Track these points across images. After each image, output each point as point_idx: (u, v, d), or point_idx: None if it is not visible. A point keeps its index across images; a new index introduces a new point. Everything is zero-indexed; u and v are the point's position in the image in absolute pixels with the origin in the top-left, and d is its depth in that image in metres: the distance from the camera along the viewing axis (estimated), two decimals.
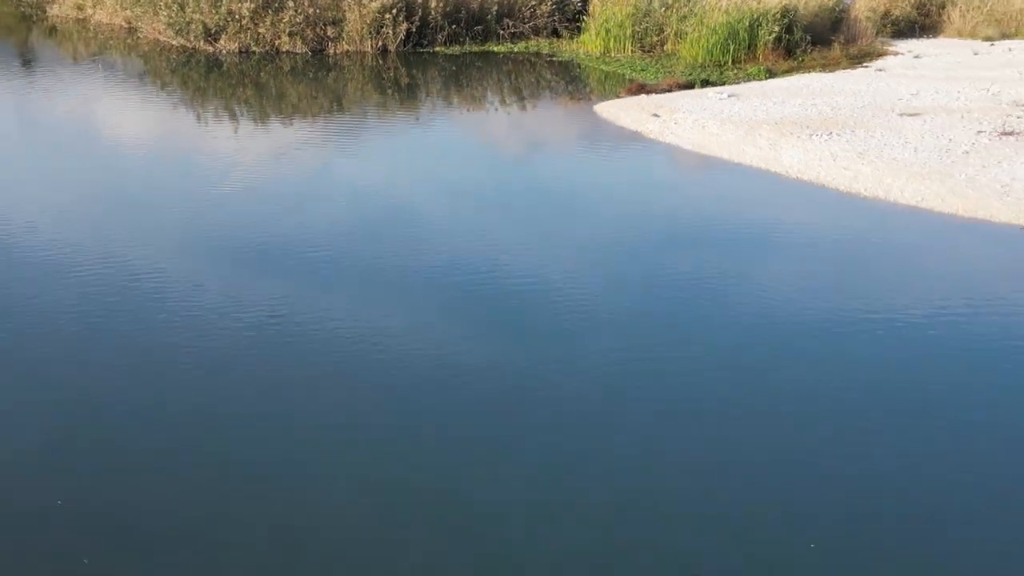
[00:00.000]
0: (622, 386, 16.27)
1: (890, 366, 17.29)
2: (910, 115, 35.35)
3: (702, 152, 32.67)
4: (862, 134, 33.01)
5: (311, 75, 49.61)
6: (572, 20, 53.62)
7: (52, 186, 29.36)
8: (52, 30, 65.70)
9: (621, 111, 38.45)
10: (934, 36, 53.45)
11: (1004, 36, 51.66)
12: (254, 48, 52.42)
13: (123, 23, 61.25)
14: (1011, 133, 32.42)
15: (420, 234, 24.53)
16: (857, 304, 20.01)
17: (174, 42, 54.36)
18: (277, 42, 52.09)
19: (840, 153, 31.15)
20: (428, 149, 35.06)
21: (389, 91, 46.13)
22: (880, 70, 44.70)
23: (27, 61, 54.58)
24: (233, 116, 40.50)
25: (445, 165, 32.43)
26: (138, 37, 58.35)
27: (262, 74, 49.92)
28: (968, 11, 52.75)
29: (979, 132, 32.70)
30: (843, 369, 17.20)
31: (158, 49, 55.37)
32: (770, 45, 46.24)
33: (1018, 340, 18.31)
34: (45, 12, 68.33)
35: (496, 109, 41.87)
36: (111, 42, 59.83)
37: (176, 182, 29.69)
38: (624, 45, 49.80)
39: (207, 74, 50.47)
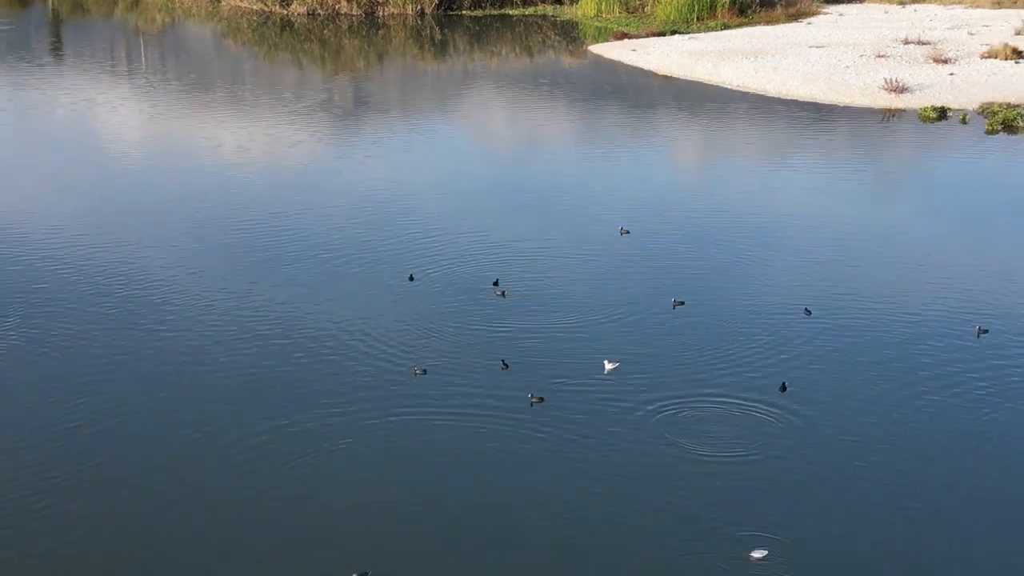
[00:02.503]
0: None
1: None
2: (817, 47, 48.73)
3: (664, 71, 46.26)
4: (778, 57, 46.45)
5: (364, 32, 62.97)
6: None
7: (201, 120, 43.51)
8: (134, 4, 78.75)
9: (608, 49, 52.03)
10: (861, 1, 66.73)
11: (914, 0, 65.07)
12: (319, 11, 65.78)
13: None
14: (883, 56, 45.82)
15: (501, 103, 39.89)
16: (745, 141, 34.45)
17: (254, 7, 67.66)
18: (337, 6, 65.48)
19: (760, 68, 44.60)
20: (480, 71, 49.67)
21: (438, 44, 60.16)
22: (809, 23, 58.08)
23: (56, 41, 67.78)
24: (313, 62, 54.75)
25: (494, 77, 46.90)
26: (219, 5, 71.72)
27: (325, 32, 63.34)
28: None
29: (861, 56, 46.14)
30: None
31: (239, 14, 68.78)
32: (727, 6, 59.50)
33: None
34: None
35: (518, 50, 55.63)
36: (194, 11, 73.18)
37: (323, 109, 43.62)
38: (613, 8, 63.13)
39: (282, 32, 63.96)
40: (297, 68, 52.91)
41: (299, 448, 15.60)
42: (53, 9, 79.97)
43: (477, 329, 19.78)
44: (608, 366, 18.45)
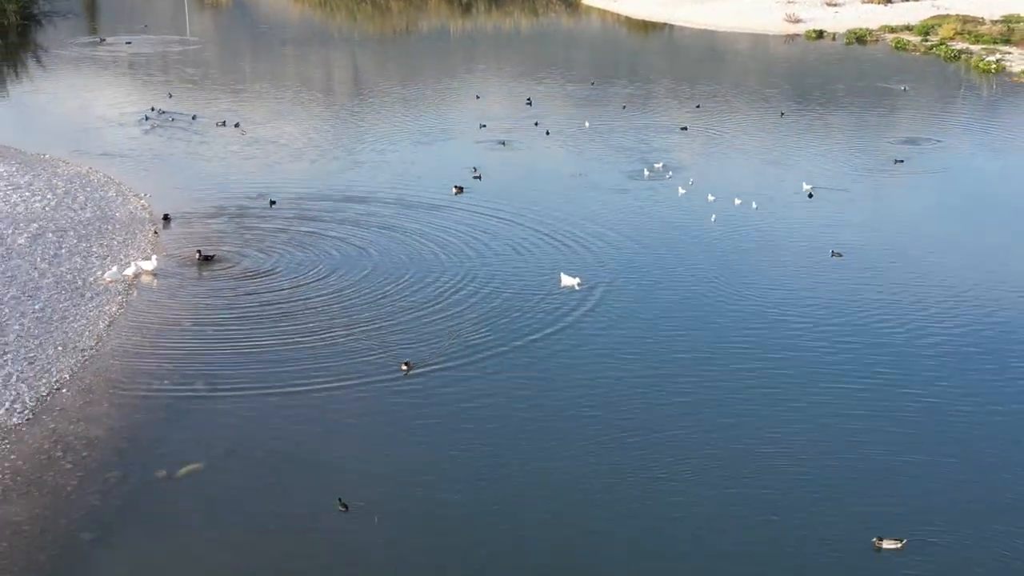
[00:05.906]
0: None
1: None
2: None
3: (637, 15, 64.83)
4: (717, 3, 65.05)
5: None
6: None
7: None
8: None
9: (596, 1, 70.57)
10: None
11: None
12: None
13: None
14: (793, 2, 64.10)
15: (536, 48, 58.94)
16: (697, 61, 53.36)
17: None
18: None
19: (703, 11, 63.07)
20: (498, 27, 68.62)
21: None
22: None
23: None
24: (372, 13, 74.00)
25: (513, 26, 65.81)
26: None
27: None
28: None
29: (777, 2, 64.45)
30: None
31: None
32: None
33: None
34: None
35: (527, 9, 74.28)
36: None
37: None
38: None
39: None
40: (380, 19, 71.23)
41: None
42: None
43: None
44: None
